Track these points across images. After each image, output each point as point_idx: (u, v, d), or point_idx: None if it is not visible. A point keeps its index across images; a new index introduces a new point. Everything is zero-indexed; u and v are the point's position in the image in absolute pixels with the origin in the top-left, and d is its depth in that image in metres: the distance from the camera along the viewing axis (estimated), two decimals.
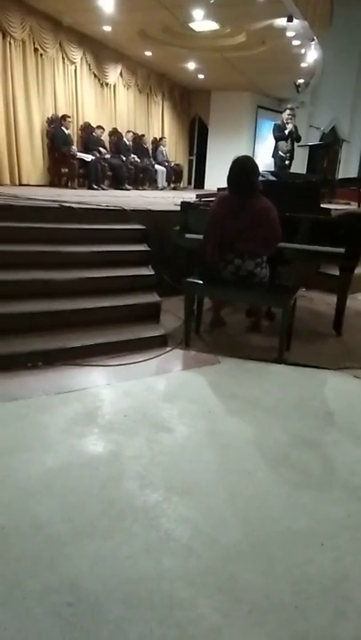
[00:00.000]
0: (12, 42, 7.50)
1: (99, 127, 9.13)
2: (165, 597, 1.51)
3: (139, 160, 10.06)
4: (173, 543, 1.74)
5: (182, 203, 4.21)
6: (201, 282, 3.55)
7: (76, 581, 1.55)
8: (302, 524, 1.87)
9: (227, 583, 1.58)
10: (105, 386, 2.98)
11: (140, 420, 2.57)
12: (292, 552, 1.73)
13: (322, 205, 4.39)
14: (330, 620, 1.47)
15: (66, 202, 4.62)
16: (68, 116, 8.44)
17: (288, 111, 8.65)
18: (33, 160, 8.17)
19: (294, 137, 8.66)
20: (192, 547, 1.73)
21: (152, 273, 4.07)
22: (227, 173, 3.47)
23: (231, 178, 3.44)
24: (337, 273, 4.00)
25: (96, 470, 2.13)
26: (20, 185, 7.80)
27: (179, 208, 4.21)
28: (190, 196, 5.86)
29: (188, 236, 3.95)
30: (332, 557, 1.71)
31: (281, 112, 9.40)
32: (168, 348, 3.56)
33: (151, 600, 1.50)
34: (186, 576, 1.60)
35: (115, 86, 10.18)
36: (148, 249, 4.28)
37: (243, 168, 3.42)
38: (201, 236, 3.65)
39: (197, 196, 5.40)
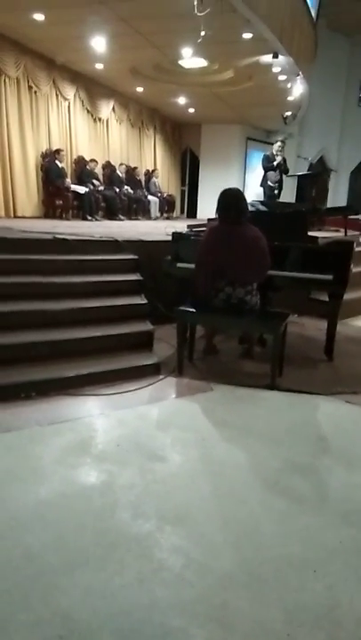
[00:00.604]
0: (6, 80, 7.74)
1: (92, 160, 9.35)
2: (157, 627, 1.51)
3: (132, 191, 10.27)
4: (166, 573, 1.74)
5: (174, 233, 4.30)
6: (193, 310, 3.61)
7: (68, 613, 1.55)
8: (295, 551, 1.87)
9: (219, 611, 1.58)
10: (98, 415, 3.00)
11: (132, 449, 2.58)
12: (284, 579, 1.73)
13: (310, 233, 4.49)
14: None
15: (60, 234, 4.71)
16: (62, 150, 8.65)
17: (279, 143, 8.91)
18: (28, 193, 8.34)
19: (283, 169, 8.89)
20: (184, 576, 1.73)
21: (145, 302, 4.12)
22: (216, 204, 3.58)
23: (221, 207, 3.55)
24: (327, 299, 4.07)
25: (89, 500, 2.14)
26: (16, 217, 7.94)
27: (170, 238, 4.30)
28: (182, 225, 5.97)
29: (179, 265, 4.03)
30: (324, 584, 1.71)
31: (269, 143, 9.70)
32: (161, 376, 3.58)
33: (143, 630, 1.50)
34: (178, 605, 1.60)
35: (107, 121, 10.46)
36: (141, 278, 4.35)
37: (231, 196, 3.54)
38: (192, 265, 3.73)
39: (188, 226, 5.51)
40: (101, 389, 3.30)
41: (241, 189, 3.79)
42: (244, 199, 3.60)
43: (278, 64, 8.05)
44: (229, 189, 3.60)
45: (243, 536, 1.95)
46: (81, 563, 1.77)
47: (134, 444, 2.62)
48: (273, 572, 1.76)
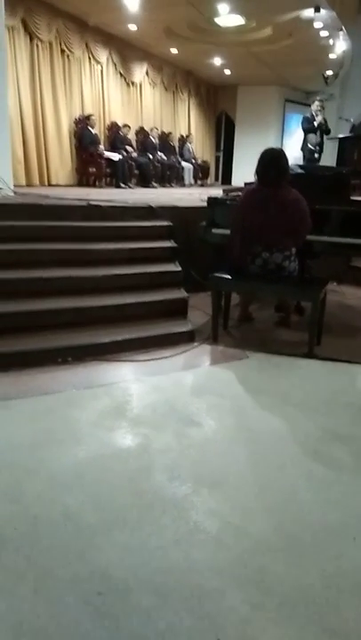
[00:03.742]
0: (39, 44, 7.64)
1: (125, 126, 9.20)
2: (195, 588, 1.52)
3: (165, 158, 10.09)
4: (202, 535, 1.74)
5: (209, 198, 4.19)
6: (228, 276, 3.54)
7: (106, 571, 1.57)
8: (334, 518, 1.84)
9: (256, 575, 1.57)
10: (133, 380, 3.00)
11: (168, 414, 2.58)
12: (323, 546, 1.70)
13: (353, 198, 4.30)
14: None
15: (93, 200, 4.67)
16: (92, 115, 8.53)
17: (317, 103, 8.51)
18: (61, 160, 8.30)
19: (323, 129, 8.52)
20: (221, 539, 1.73)
21: (179, 269, 4.07)
22: (255, 166, 3.45)
23: (260, 168, 3.41)
24: None
25: (125, 463, 2.15)
26: (50, 185, 7.94)
27: (205, 204, 4.20)
28: (217, 192, 5.84)
29: (214, 231, 3.94)
30: None
31: (309, 105, 9.27)
32: (196, 344, 3.55)
33: (180, 590, 1.51)
34: (215, 567, 1.60)
35: (141, 85, 10.24)
36: (175, 245, 4.28)
37: (272, 158, 3.39)
38: (227, 231, 3.63)
39: (224, 191, 5.37)
40: (136, 356, 3.30)
41: (285, 153, 3.63)
42: (286, 160, 3.44)
43: (320, 19, 7.65)
44: (270, 149, 3.46)
45: (280, 502, 1.92)
46: (118, 523, 1.79)
47: (169, 410, 2.62)
48: (311, 538, 1.74)
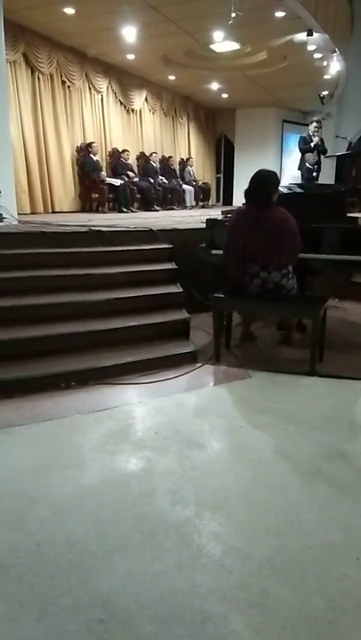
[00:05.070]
0: (40, 76, 7.85)
1: (124, 151, 9.35)
2: (197, 613, 1.51)
3: (167, 181, 10.24)
4: (205, 559, 1.73)
5: (207, 220, 4.26)
6: (229, 297, 3.57)
7: (108, 597, 1.56)
8: (337, 538, 1.82)
9: (259, 599, 1.56)
10: (137, 403, 3.01)
11: (171, 436, 2.59)
12: (326, 566, 1.69)
13: (350, 215, 4.35)
14: None
15: (95, 226, 4.75)
16: (94, 142, 8.71)
17: (315, 124, 8.64)
18: (65, 188, 8.46)
19: (320, 150, 8.64)
20: (224, 562, 1.72)
21: (180, 290, 4.11)
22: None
23: (249, 189, 3.48)
24: None
25: (128, 487, 2.15)
26: (54, 212, 8.07)
27: (205, 225, 4.26)
28: (217, 213, 5.91)
29: (214, 252, 3.98)
30: None
31: (307, 125, 9.42)
32: (198, 364, 3.57)
33: (183, 615, 1.50)
34: (218, 592, 1.59)
35: (140, 111, 10.45)
36: (176, 267, 4.33)
37: (260, 179, 3.45)
38: None
39: (222, 212, 5.44)
40: (139, 378, 3.32)
41: (277, 173, 3.69)
42: (274, 180, 3.48)
43: (313, 42, 7.80)
44: (260, 171, 3.51)
45: (283, 523, 1.91)
46: (120, 548, 1.78)
47: (172, 432, 2.63)
48: (314, 559, 1.73)
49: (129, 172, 9.18)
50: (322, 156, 8.82)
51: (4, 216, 5.12)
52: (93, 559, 1.73)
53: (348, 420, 2.79)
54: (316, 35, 7.44)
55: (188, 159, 11.84)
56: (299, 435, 2.60)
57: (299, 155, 8.98)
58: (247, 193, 3.50)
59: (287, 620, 1.48)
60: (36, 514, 1.98)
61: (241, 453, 2.44)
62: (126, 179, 8.90)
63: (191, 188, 10.99)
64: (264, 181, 3.44)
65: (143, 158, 10.13)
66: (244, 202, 3.69)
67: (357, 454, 2.42)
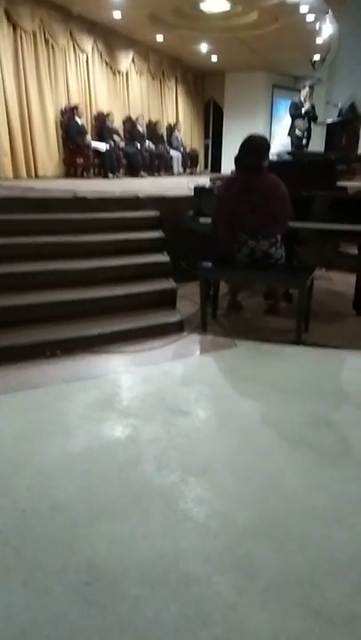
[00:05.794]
0: (22, 34, 7.50)
1: (109, 114, 9.08)
2: (182, 575, 1.54)
3: (154, 147, 10.01)
4: (190, 523, 1.76)
5: (195, 187, 4.18)
6: (216, 266, 3.53)
7: (94, 561, 1.58)
8: (319, 503, 1.86)
9: (243, 561, 1.59)
10: (122, 372, 3.01)
11: (157, 404, 2.59)
12: (308, 530, 1.73)
13: (339, 183, 4.30)
14: (347, 596, 1.47)
15: (80, 191, 4.64)
16: (79, 105, 8.42)
17: (307, 89, 8.47)
18: (48, 152, 8.21)
19: (311, 116, 8.48)
20: (208, 526, 1.75)
21: (167, 259, 4.06)
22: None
23: (240, 155, 3.40)
24: (357, 252, 3.93)
25: (114, 454, 2.16)
26: (37, 177, 7.86)
27: (192, 193, 4.18)
28: (205, 180, 5.80)
29: (202, 220, 3.92)
30: (349, 534, 1.70)
31: (297, 90, 9.24)
32: (185, 334, 3.56)
33: (167, 578, 1.53)
34: (202, 555, 1.62)
35: (127, 73, 10.11)
36: (163, 235, 4.27)
37: (250, 144, 3.37)
38: None
39: (211, 179, 5.35)
40: (125, 347, 3.31)
41: (267, 138, 3.61)
42: (265, 146, 3.40)
43: (306, 2, 7.56)
44: (250, 136, 3.42)
45: (267, 488, 1.94)
46: (106, 513, 1.80)
47: (158, 400, 2.63)
48: (297, 523, 1.76)
49: (115, 137, 8.96)
50: (312, 123, 8.67)
51: None
52: (79, 524, 1.75)
53: (333, 388, 2.82)
54: None
55: (175, 124, 11.56)
56: (283, 403, 2.62)
57: (288, 121, 8.83)
58: (237, 159, 3.42)
59: (270, 581, 1.52)
60: (21, 480, 1.98)
61: (226, 421, 2.46)
62: (112, 143, 8.69)
63: (179, 154, 10.78)
64: (254, 147, 3.36)
65: (129, 122, 9.86)
66: (233, 169, 3.62)
67: (341, 422, 2.45)
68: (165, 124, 11.31)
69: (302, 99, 8.45)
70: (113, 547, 1.65)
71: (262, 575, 1.54)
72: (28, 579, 1.52)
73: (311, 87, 8.55)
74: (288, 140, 8.84)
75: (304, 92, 8.46)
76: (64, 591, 1.48)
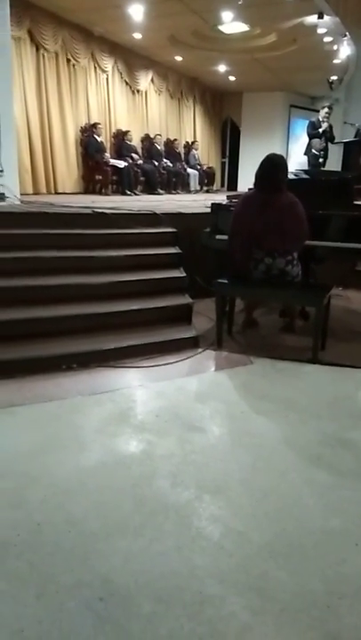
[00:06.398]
0: (45, 54, 7.71)
1: (127, 132, 9.23)
2: (196, 594, 1.52)
3: (171, 164, 10.13)
4: (204, 541, 1.74)
5: (212, 204, 4.22)
6: (232, 282, 3.55)
7: (108, 576, 1.58)
8: (336, 524, 1.83)
9: (258, 581, 1.57)
10: (138, 387, 3.02)
11: (171, 420, 2.59)
12: (325, 551, 1.70)
13: (356, 202, 4.30)
14: None
15: (98, 208, 4.71)
16: (99, 124, 8.58)
17: (326, 109, 8.53)
18: (68, 168, 8.36)
19: (328, 136, 8.53)
20: (223, 545, 1.73)
21: (184, 275, 4.09)
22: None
23: (259, 173, 3.44)
24: None
25: (128, 469, 2.16)
26: (56, 193, 7.99)
27: (209, 210, 4.22)
28: (222, 198, 5.86)
29: (218, 237, 3.95)
30: None
31: (314, 110, 9.32)
32: (200, 350, 3.56)
33: (182, 596, 1.51)
34: (217, 574, 1.60)
35: (146, 92, 10.30)
36: (180, 251, 4.30)
37: (271, 164, 3.42)
38: None
39: (228, 197, 5.39)
40: (141, 362, 3.32)
41: (285, 158, 3.65)
42: (285, 167, 3.46)
43: (324, 25, 7.64)
44: (271, 155, 3.48)
45: (283, 508, 1.92)
46: (120, 529, 1.79)
47: (173, 415, 2.63)
48: (314, 544, 1.74)
49: (133, 154, 9.09)
50: (329, 143, 8.72)
51: (6, 195, 5.07)
52: (93, 539, 1.74)
53: (349, 407, 2.79)
54: (326, 17, 7.28)
55: (193, 142, 11.70)
56: (300, 421, 2.60)
57: (305, 140, 8.88)
58: (258, 177, 3.45)
59: (285, 604, 1.49)
60: (36, 493, 1.98)
61: (242, 438, 2.44)
62: (130, 161, 8.81)
63: (196, 172, 10.88)
64: (275, 165, 3.41)
65: (148, 140, 10.01)
66: (250, 187, 3.65)
67: (358, 442, 2.42)
68: (183, 143, 11.46)
69: (321, 118, 8.51)
70: (127, 562, 1.64)
71: (277, 596, 1.52)
72: (42, 592, 1.52)
73: (330, 107, 8.61)
74: (305, 159, 8.88)
75: (323, 112, 8.52)
76: (77, 606, 1.47)
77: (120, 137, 9.25)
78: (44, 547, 1.71)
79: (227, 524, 1.83)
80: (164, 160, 10.00)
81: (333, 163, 9.70)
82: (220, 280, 3.56)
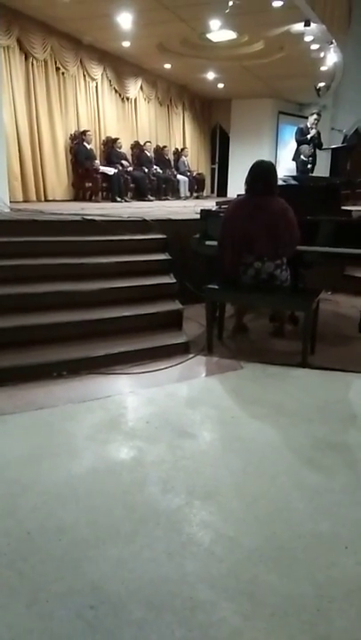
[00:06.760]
0: (34, 62, 7.73)
1: (116, 139, 9.26)
2: (187, 600, 1.52)
3: (161, 171, 10.18)
4: (195, 547, 1.75)
5: (202, 211, 4.25)
6: (221, 288, 3.57)
7: (99, 584, 1.57)
8: (326, 528, 1.85)
9: (248, 586, 1.58)
10: (128, 393, 3.02)
11: (162, 426, 2.59)
12: (315, 555, 1.71)
13: (344, 208, 4.36)
14: (353, 623, 1.45)
15: (88, 215, 4.72)
16: (88, 131, 8.61)
17: (315, 116, 8.62)
18: (58, 176, 8.37)
19: (316, 143, 8.63)
20: (214, 550, 1.73)
21: (174, 281, 4.10)
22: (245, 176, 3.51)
23: (250, 178, 3.47)
24: None
25: (119, 476, 2.16)
26: (46, 200, 7.99)
27: (199, 216, 4.25)
28: (212, 204, 5.89)
29: (208, 243, 3.97)
30: (355, 560, 1.68)
31: (302, 117, 9.42)
32: (191, 355, 3.57)
33: (173, 602, 1.51)
34: (207, 579, 1.60)
35: (135, 100, 10.35)
36: (170, 257, 4.32)
37: (261, 169, 3.47)
38: None
39: (217, 203, 5.43)
40: (131, 368, 3.32)
41: (274, 164, 3.70)
42: (275, 173, 3.51)
43: (310, 32, 7.75)
44: (261, 161, 3.53)
45: (273, 512, 1.93)
46: (111, 536, 1.79)
47: (164, 422, 2.63)
48: (303, 547, 1.75)
49: (123, 161, 9.12)
50: (317, 150, 8.81)
51: None
52: (84, 546, 1.74)
53: (339, 411, 2.81)
54: (313, 25, 7.38)
55: (182, 149, 11.77)
56: (290, 425, 2.61)
57: (294, 146, 8.97)
58: (250, 182, 3.48)
59: (276, 608, 1.50)
60: (26, 501, 1.98)
61: (232, 444, 2.45)
62: (120, 168, 8.84)
63: (186, 179, 10.94)
64: (265, 171, 3.46)
65: (137, 147, 10.06)
66: (239, 193, 3.68)
67: (347, 445, 2.44)
68: (173, 149, 11.52)
69: (309, 125, 8.60)
70: (118, 569, 1.64)
71: (268, 601, 1.52)
72: (32, 601, 1.52)
73: (319, 114, 8.70)
74: (293, 164, 8.97)
75: (312, 119, 8.61)
76: (68, 615, 1.47)
77: (110, 144, 9.28)
78: (34, 555, 1.70)
79: (217, 530, 1.83)
80: (154, 167, 10.05)
81: (322, 169, 9.82)
82: (210, 286, 3.58)
